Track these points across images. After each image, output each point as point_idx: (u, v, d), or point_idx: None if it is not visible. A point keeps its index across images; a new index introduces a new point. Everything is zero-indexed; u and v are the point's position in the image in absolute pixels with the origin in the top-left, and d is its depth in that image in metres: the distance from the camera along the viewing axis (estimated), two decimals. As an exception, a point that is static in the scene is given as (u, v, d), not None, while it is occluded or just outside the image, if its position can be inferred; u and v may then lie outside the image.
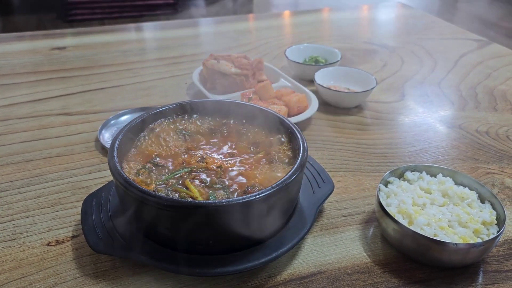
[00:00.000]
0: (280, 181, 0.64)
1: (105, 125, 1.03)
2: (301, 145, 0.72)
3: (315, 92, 1.15)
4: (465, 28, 1.78)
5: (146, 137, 0.79)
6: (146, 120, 0.80)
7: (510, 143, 1.04)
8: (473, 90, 1.27)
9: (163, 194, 0.66)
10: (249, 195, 0.62)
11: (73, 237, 0.74)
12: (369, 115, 1.14)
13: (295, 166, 0.67)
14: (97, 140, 0.98)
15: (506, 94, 1.25)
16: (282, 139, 0.78)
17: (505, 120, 1.13)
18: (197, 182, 0.70)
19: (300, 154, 0.70)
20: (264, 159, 0.75)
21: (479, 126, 1.10)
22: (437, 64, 1.42)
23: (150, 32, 1.73)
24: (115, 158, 0.68)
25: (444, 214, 0.73)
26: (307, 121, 1.08)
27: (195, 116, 0.85)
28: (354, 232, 0.78)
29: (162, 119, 0.83)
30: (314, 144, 1.02)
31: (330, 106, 1.15)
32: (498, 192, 0.88)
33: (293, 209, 0.74)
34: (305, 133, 1.05)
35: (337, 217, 0.81)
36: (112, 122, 1.04)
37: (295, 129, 0.76)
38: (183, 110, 0.84)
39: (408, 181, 0.81)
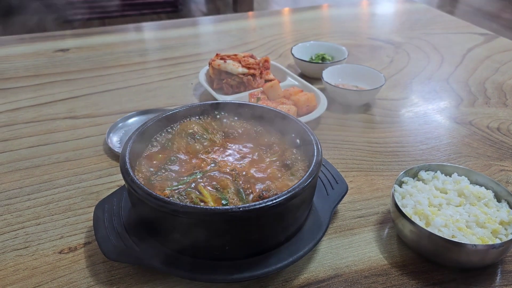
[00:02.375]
0: (296, 184, 0.63)
1: (113, 128, 1.01)
2: (315, 147, 0.71)
3: (323, 91, 1.14)
4: (467, 20, 1.76)
5: (158, 142, 0.78)
6: (157, 123, 0.79)
7: (522, 139, 1.03)
8: (482, 86, 1.26)
9: (177, 201, 0.65)
10: (265, 200, 0.61)
11: (85, 244, 0.73)
12: (378, 113, 1.13)
13: (310, 169, 0.66)
14: (106, 144, 0.97)
15: (516, 88, 1.24)
16: (296, 141, 0.77)
17: (516, 116, 1.12)
18: (209, 187, 0.69)
19: (315, 157, 0.69)
20: (278, 162, 0.74)
21: (490, 122, 1.09)
22: (444, 59, 1.41)
23: (152, 32, 1.71)
24: (128, 164, 0.67)
25: (461, 214, 0.72)
26: (316, 120, 1.07)
27: (207, 118, 0.84)
28: (369, 233, 0.77)
29: (174, 122, 0.82)
30: (325, 143, 1.00)
31: (339, 105, 1.14)
32: (513, 189, 0.88)
33: (308, 212, 0.73)
34: (315, 132, 1.03)
35: (352, 218, 0.80)
36: (120, 125, 1.03)
37: (308, 131, 0.75)
38: (193, 112, 0.83)
39: (423, 180, 0.80)
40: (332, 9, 1.97)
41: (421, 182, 0.79)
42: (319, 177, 0.80)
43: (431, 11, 1.93)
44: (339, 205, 0.82)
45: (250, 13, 2.01)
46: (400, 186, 0.79)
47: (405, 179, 0.79)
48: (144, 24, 1.79)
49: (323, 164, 0.83)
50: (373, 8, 2.00)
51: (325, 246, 0.74)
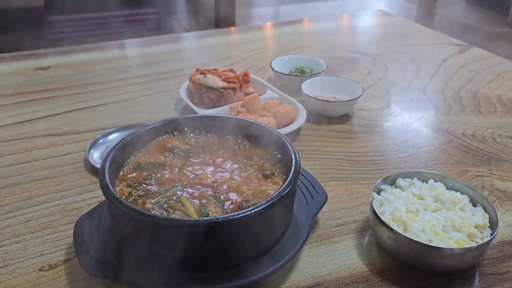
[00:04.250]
0: (274, 194, 0.64)
1: (93, 145, 1.01)
2: (294, 157, 0.72)
3: (303, 103, 1.16)
4: (445, 33, 1.81)
5: (138, 156, 0.79)
6: (137, 138, 0.79)
7: (497, 145, 1.06)
8: (457, 94, 1.29)
9: (158, 213, 0.66)
10: (244, 210, 0.62)
11: (66, 261, 0.73)
12: (357, 123, 1.14)
13: (289, 179, 0.67)
14: (86, 160, 0.97)
15: (489, 96, 1.27)
16: (275, 152, 0.78)
17: (490, 123, 1.15)
18: (191, 198, 0.70)
19: (293, 167, 0.70)
20: (257, 173, 0.75)
21: (465, 129, 1.12)
22: (420, 70, 1.44)
23: (134, 48, 1.72)
24: (107, 179, 0.67)
25: (438, 219, 0.73)
26: (296, 132, 1.09)
27: (185, 132, 0.84)
28: (349, 241, 0.78)
29: (153, 137, 0.82)
30: (305, 154, 1.02)
31: (318, 116, 1.16)
32: (488, 194, 0.90)
33: (288, 222, 0.73)
34: (295, 143, 1.06)
35: (332, 227, 0.81)
36: (101, 141, 1.03)
37: (286, 142, 0.76)
38: (173, 126, 0.84)
39: (400, 188, 0.81)
40: (312, 23, 2.01)
41: (398, 189, 0.81)
42: (299, 187, 0.81)
43: (408, 24, 1.98)
44: (319, 214, 0.83)
45: (232, 28, 2.04)
46: (379, 193, 0.80)
47: (383, 186, 0.81)
48: (126, 41, 1.79)
49: (302, 174, 0.84)
50: (352, 21, 2.05)
51: (306, 255, 0.75)
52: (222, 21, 3.59)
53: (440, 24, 4.08)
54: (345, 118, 1.16)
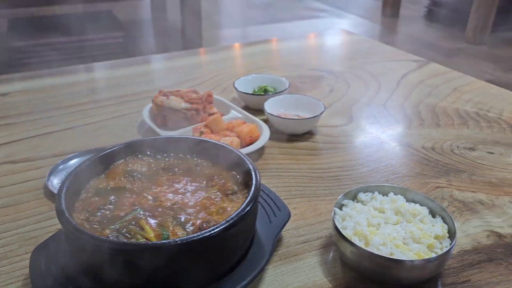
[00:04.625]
0: (234, 214, 0.64)
1: (53, 171, 0.99)
2: (254, 176, 0.72)
3: (266, 121, 1.17)
4: (407, 50, 1.87)
5: (96, 180, 0.77)
6: (95, 162, 0.78)
7: (455, 156, 1.09)
8: (417, 108, 1.32)
9: (115, 239, 0.64)
10: (203, 232, 0.61)
11: (22, 292, 0.70)
12: (321, 140, 1.16)
13: (248, 198, 0.67)
14: (46, 187, 0.95)
15: (447, 110, 1.31)
16: (236, 171, 0.78)
17: (448, 135, 1.18)
18: (151, 222, 0.69)
19: (253, 185, 0.70)
20: (218, 193, 0.75)
21: (425, 142, 1.15)
22: (381, 86, 1.48)
23: (99, 72, 1.71)
24: (63, 205, 0.66)
25: (399, 232, 0.74)
26: (260, 151, 1.09)
27: (145, 154, 0.84)
28: (313, 258, 0.78)
29: (112, 160, 0.81)
30: (269, 172, 1.02)
31: (282, 134, 1.17)
32: (448, 205, 0.92)
33: (251, 241, 0.73)
34: (259, 162, 1.06)
35: (296, 244, 0.81)
36: (61, 167, 1.01)
37: (247, 160, 0.76)
38: (132, 149, 0.83)
39: (362, 202, 0.82)
40: (277, 43, 2.04)
41: (360, 203, 0.82)
42: (262, 206, 0.81)
43: (369, 42, 2.04)
44: (283, 232, 0.83)
45: (198, 50, 2.05)
46: (341, 209, 0.81)
47: (345, 201, 0.81)
48: (90, 64, 1.78)
49: (265, 193, 0.84)
50: (316, 41, 2.09)
51: (271, 274, 0.74)
52: (189, 43, 3.61)
53: (403, 41, 4.21)
54: (308, 135, 1.17)
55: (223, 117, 1.17)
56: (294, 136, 1.17)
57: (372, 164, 1.06)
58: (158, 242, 0.61)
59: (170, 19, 4.64)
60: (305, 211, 0.89)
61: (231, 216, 0.63)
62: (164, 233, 0.67)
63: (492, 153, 1.11)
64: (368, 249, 0.70)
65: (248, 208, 0.65)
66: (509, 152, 1.11)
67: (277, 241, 0.80)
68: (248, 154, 1.02)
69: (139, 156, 0.83)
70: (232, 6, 5.65)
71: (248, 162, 0.76)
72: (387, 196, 0.83)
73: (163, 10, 4.58)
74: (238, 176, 0.78)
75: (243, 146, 1.06)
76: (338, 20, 4.85)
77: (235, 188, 0.75)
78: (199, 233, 0.61)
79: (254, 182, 0.71)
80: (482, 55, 3.75)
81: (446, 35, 4.28)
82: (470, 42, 3.95)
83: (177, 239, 0.60)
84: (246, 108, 1.31)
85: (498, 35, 4.20)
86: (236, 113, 1.21)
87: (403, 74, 1.57)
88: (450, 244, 0.73)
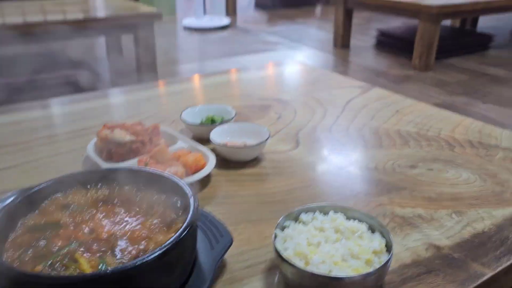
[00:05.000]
0: (169, 241, 0.63)
1: (-10, 211, 0.95)
2: (191, 202, 0.72)
3: (213, 150, 1.17)
4: (359, 78, 1.94)
5: (31, 216, 0.75)
6: (29, 198, 0.76)
7: (397, 174, 1.13)
8: (361, 131, 1.37)
9: (47, 274, 0.62)
10: (137, 260, 0.60)
11: None
12: (267, 166, 1.18)
13: (185, 224, 0.67)
14: (-19, 228, 0.91)
15: (389, 131, 1.36)
16: (174, 199, 0.78)
17: (391, 155, 1.22)
18: (87, 254, 0.67)
19: (190, 212, 0.70)
20: (158, 222, 0.74)
21: (368, 163, 1.18)
22: (327, 112, 1.52)
23: (45, 109, 1.68)
24: (-10, 244, 0.63)
25: (338, 249, 0.75)
26: (207, 179, 1.09)
27: (84, 187, 0.82)
28: (258, 282, 0.77)
29: (48, 195, 0.79)
30: (215, 200, 1.02)
31: (229, 162, 1.18)
32: (389, 221, 0.94)
33: (192, 268, 0.72)
34: (205, 191, 1.06)
35: (241, 269, 0.80)
36: (-1, 206, 0.97)
37: (185, 188, 0.76)
38: (70, 182, 0.82)
39: (303, 222, 0.83)
40: (229, 75, 2.07)
41: (301, 224, 0.83)
42: (204, 232, 0.81)
43: (317, 71, 2.10)
44: (228, 258, 0.82)
45: (150, 83, 2.05)
46: (283, 230, 0.81)
47: (287, 223, 0.82)
48: (37, 102, 1.74)
49: (208, 219, 0.84)
50: (267, 72, 2.14)
51: (214, 301, 0.73)
52: (144, 79, 3.61)
53: (355, 71, 4.37)
54: (255, 162, 1.19)
55: (170, 148, 1.17)
56: (241, 163, 1.18)
57: (318, 186, 1.08)
58: (89, 273, 0.59)
59: (125, 56, 4.65)
60: (250, 236, 0.89)
61: (166, 243, 0.63)
62: (101, 265, 0.65)
63: (431, 169, 1.15)
64: (308, 268, 0.71)
65: (184, 234, 0.65)
66: (447, 168, 1.15)
67: (221, 267, 0.79)
68: (194, 183, 1.02)
69: (77, 188, 0.82)
70: (189, 42, 5.73)
71: (187, 190, 0.76)
72: (328, 215, 0.84)
73: (118, 48, 4.58)
74: (178, 204, 0.77)
75: (188, 175, 1.06)
76: (293, 52, 4.99)
77: (174, 216, 0.75)
78: (132, 262, 0.60)
79: (191, 208, 0.71)
80: (429, 80, 3.93)
81: (395, 63, 4.47)
82: (417, 69, 4.14)
83: (109, 269, 0.59)
84: (195, 138, 1.31)
85: (442, 61, 4.43)
86: (183, 144, 1.21)
87: (348, 100, 1.63)
88: (388, 257, 0.74)
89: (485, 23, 6.02)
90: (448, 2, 3.99)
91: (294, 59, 4.62)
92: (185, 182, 0.78)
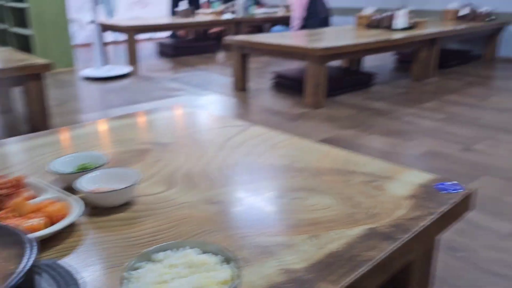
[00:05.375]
0: (-5, 293, 0.61)
1: None
2: (27, 251, 0.71)
3: (84, 199, 1.15)
4: (258, 118, 2.02)
5: None
6: None
7: (263, 206, 1.18)
8: (234, 168, 1.42)
9: None
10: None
11: None
12: (139, 209, 1.18)
13: (14, 274, 0.65)
14: None
15: (263, 165, 1.44)
16: (15, 251, 0.75)
17: (259, 188, 1.29)
18: None
19: (24, 261, 0.68)
20: (-6, 276, 0.71)
21: (236, 197, 1.23)
22: (207, 151, 1.57)
23: None
24: None
25: (187, 284, 0.77)
26: (74, 227, 1.07)
27: None
28: (111, 327, 0.76)
29: None
30: (82, 248, 1.01)
31: (100, 209, 1.16)
32: (250, 251, 0.98)
33: (32, 321, 0.70)
34: (69, 239, 1.04)
35: (94, 316, 0.79)
36: None
37: (25, 238, 0.74)
38: None
39: (157, 261, 0.84)
40: (111, 122, 2.06)
41: (154, 262, 0.84)
42: (55, 281, 0.79)
43: (201, 114, 2.16)
44: (82, 306, 0.80)
45: (26, 135, 1.96)
46: (135, 271, 0.82)
47: (138, 264, 0.83)
48: None
49: (54, 269, 0.82)
50: (149, 117, 2.15)
51: None
52: (35, 130, 3.45)
53: (253, 112, 4.53)
54: (127, 206, 1.19)
55: (37, 199, 1.14)
56: (112, 208, 1.17)
57: (183, 225, 1.10)
58: None
59: (16, 110, 4.42)
60: (105, 282, 0.88)
61: (-9, 296, 0.61)
62: None
63: (296, 198, 1.23)
64: (155, 305, 0.72)
65: (13, 283, 0.63)
66: (309, 196, 1.24)
67: (71, 317, 0.77)
68: (59, 233, 1.00)
69: None
70: (89, 92, 5.60)
71: (26, 240, 0.74)
72: (181, 251, 0.86)
73: (8, 101, 4.35)
74: (19, 256, 0.75)
75: (53, 224, 1.03)
76: (194, 97, 5.07)
77: (14, 269, 0.72)
78: (-51, 321, 0.57)
79: (26, 259, 0.69)
80: (321, 116, 4.19)
81: (290, 102, 4.72)
82: (309, 106, 4.41)
83: None
84: (68, 187, 1.28)
85: (333, 98, 4.77)
86: (51, 194, 1.17)
87: (227, 138, 1.69)
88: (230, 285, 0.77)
89: (369, 63, 6.63)
90: (330, 45, 4.36)
91: (195, 104, 4.71)
92: (27, 236, 0.76)
